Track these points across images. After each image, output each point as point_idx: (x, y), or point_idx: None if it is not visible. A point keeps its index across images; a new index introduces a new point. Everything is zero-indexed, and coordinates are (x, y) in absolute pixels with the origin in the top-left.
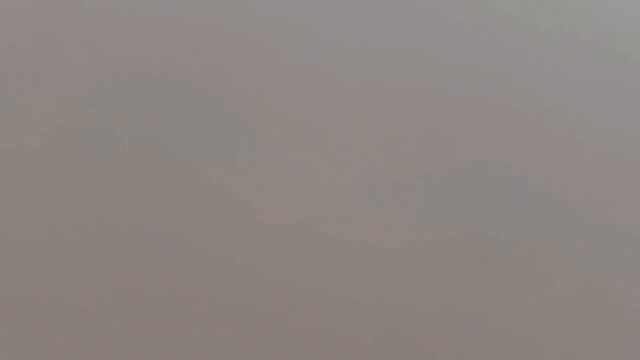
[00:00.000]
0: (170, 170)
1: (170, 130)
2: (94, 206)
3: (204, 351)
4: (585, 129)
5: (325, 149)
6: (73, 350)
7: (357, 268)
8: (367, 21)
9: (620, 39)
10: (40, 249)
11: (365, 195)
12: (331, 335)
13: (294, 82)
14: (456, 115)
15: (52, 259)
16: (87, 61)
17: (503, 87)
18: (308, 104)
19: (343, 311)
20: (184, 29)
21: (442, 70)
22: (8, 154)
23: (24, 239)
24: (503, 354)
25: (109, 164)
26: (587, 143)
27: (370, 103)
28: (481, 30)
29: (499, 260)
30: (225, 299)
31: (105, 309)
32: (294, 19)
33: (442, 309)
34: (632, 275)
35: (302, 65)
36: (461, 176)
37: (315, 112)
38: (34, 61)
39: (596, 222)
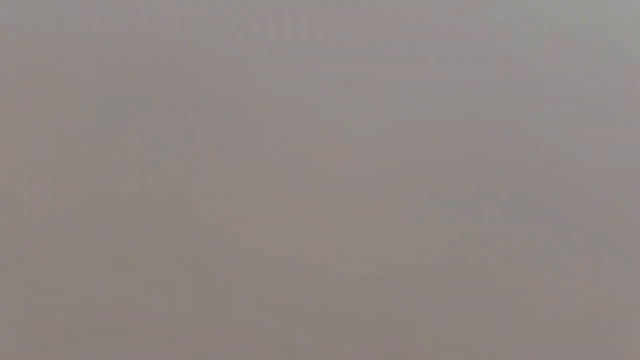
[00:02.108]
0: (167, 165)
1: (169, 128)
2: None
3: (205, 342)
4: (587, 125)
5: (324, 143)
6: (73, 350)
7: (355, 264)
8: (366, 17)
9: (620, 29)
10: (40, 238)
11: (365, 191)
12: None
13: (293, 78)
14: (456, 111)
15: (52, 254)
16: (85, 56)
17: (502, 81)
18: (306, 100)
19: (342, 305)
20: (183, 25)
21: (441, 63)
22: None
23: (28, 231)
24: (503, 351)
25: (106, 156)
26: (589, 137)
27: (368, 98)
28: (479, 24)
29: (499, 257)
30: (221, 293)
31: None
32: (293, 13)
33: (444, 303)
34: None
35: (301, 60)
36: (461, 172)
37: (313, 107)
38: (35, 52)
39: (602, 218)
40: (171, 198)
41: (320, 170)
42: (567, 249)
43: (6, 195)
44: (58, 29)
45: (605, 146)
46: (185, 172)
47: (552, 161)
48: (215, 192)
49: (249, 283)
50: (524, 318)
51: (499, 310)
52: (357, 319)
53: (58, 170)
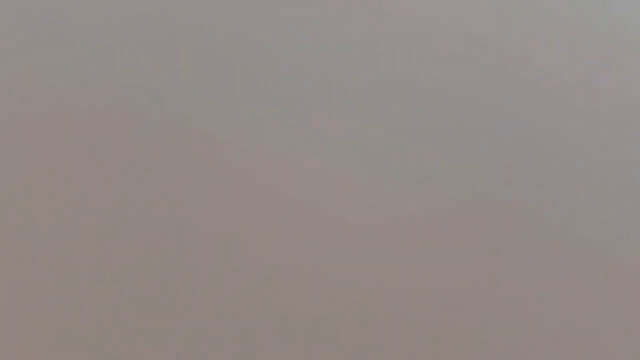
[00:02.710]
0: (167, 164)
1: (167, 127)
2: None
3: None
4: (594, 117)
5: (325, 141)
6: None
7: (357, 247)
8: (367, 16)
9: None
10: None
11: (367, 188)
12: (329, 314)
13: (294, 76)
14: (458, 109)
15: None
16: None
17: (503, 79)
18: (305, 97)
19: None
20: (183, 22)
21: (445, 60)
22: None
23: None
24: (510, 330)
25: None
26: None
27: (367, 95)
28: (476, 20)
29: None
30: (222, 279)
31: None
32: (292, 14)
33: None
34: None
35: (300, 60)
36: (462, 168)
37: (312, 104)
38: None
39: (610, 187)
40: (171, 198)
41: (321, 167)
42: (572, 247)
43: (6, 196)
44: (58, 30)
45: (615, 139)
46: (186, 170)
47: (558, 159)
48: (214, 191)
49: (249, 289)
50: (535, 294)
51: (505, 291)
52: (358, 318)
53: (58, 171)
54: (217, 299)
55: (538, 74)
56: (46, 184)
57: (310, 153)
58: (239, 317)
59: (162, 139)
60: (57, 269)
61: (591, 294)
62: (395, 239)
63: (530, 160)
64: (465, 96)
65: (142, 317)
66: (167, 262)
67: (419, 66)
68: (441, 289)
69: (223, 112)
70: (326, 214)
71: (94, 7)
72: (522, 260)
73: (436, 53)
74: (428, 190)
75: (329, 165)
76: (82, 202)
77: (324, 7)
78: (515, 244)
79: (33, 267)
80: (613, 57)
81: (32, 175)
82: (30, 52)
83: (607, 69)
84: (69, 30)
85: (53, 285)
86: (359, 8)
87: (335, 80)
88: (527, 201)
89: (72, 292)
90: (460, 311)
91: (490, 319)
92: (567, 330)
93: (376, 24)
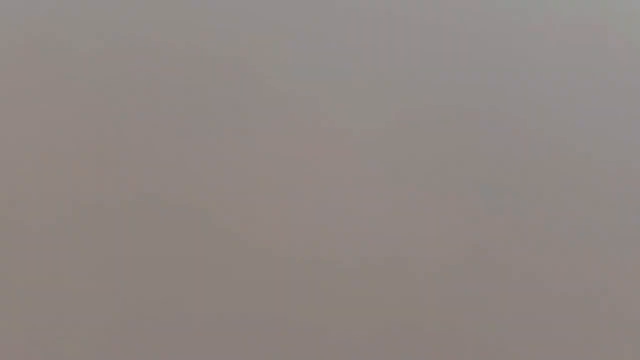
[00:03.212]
0: (168, 164)
1: (168, 128)
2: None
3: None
4: (590, 121)
5: (325, 139)
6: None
7: (359, 258)
8: (369, 14)
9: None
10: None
11: (370, 183)
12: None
13: (294, 75)
14: (462, 104)
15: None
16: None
17: (505, 76)
18: (307, 98)
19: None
20: (182, 29)
21: (446, 57)
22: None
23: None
24: (512, 318)
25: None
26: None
27: (372, 91)
28: (477, 18)
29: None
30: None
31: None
32: (295, 11)
33: (453, 297)
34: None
35: (302, 58)
36: (466, 166)
37: (314, 105)
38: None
39: (608, 185)
40: (172, 198)
41: (323, 165)
42: (579, 240)
43: (7, 196)
44: (58, 32)
45: (616, 137)
46: (185, 170)
47: (560, 153)
48: (216, 190)
49: (252, 281)
50: (533, 311)
51: (508, 300)
52: (362, 312)
53: (58, 171)
54: (219, 297)
55: (539, 73)
56: (46, 183)
57: (313, 150)
58: (240, 316)
59: (163, 139)
60: (57, 269)
61: (591, 294)
62: (396, 237)
63: (531, 159)
64: (467, 94)
65: (142, 317)
66: (167, 262)
67: (420, 64)
68: (442, 287)
69: (225, 110)
70: (327, 211)
71: (95, 7)
72: (522, 259)
73: (438, 51)
74: (428, 188)
75: (331, 162)
76: (82, 201)
77: (327, 5)
78: (516, 243)
79: (33, 267)
80: (613, 56)
81: (31, 175)
82: (31, 51)
83: (607, 69)
84: (70, 29)
85: (53, 284)
86: (362, 6)
87: (338, 78)
88: (528, 200)
89: (72, 292)
90: (461, 309)
91: (490, 317)
92: (567, 330)
93: (378, 22)
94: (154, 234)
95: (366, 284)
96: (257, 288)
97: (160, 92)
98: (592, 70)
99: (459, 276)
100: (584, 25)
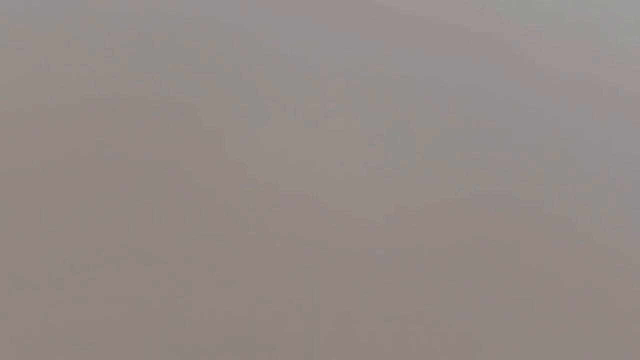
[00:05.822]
0: (167, 163)
1: (165, 123)
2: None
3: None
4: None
5: (326, 137)
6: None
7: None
8: (370, 13)
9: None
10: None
11: (368, 183)
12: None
13: (294, 74)
14: (458, 108)
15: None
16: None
17: (505, 77)
18: (308, 94)
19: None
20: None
21: (445, 58)
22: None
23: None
24: (508, 322)
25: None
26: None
27: (369, 92)
28: (473, 17)
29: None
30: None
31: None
32: (295, 11)
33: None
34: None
35: (301, 57)
36: (462, 167)
37: (311, 101)
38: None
39: (613, 184)
40: (172, 197)
41: (323, 165)
42: (576, 241)
43: (7, 197)
44: (59, 28)
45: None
46: (185, 170)
47: (560, 153)
48: (216, 190)
49: (252, 281)
50: (535, 285)
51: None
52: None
53: (58, 172)
54: (220, 295)
55: (539, 72)
56: (45, 183)
57: (313, 149)
58: (240, 314)
59: (163, 138)
60: (57, 269)
61: (591, 293)
62: (397, 235)
63: (532, 157)
64: (467, 94)
65: (142, 317)
66: (167, 262)
67: (420, 64)
68: (442, 286)
69: (227, 109)
70: (328, 210)
71: (97, 5)
72: (522, 258)
73: (438, 51)
74: (429, 186)
75: (331, 161)
76: (82, 200)
77: (327, 5)
78: (517, 241)
79: (33, 267)
80: (613, 57)
81: (31, 175)
82: (30, 49)
83: (607, 69)
84: (69, 29)
85: (52, 285)
86: (362, 6)
87: (339, 77)
88: (528, 199)
89: (71, 292)
90: (462, 308)
91: (490, 316)
92: (567, 329)
93: (379, 21)
94: (154, 234)
95: (366, 284)
96: (257, 288)
97: (160, 92)
98: (592, 69)
99: (459, 276)
100: (584, 25)
